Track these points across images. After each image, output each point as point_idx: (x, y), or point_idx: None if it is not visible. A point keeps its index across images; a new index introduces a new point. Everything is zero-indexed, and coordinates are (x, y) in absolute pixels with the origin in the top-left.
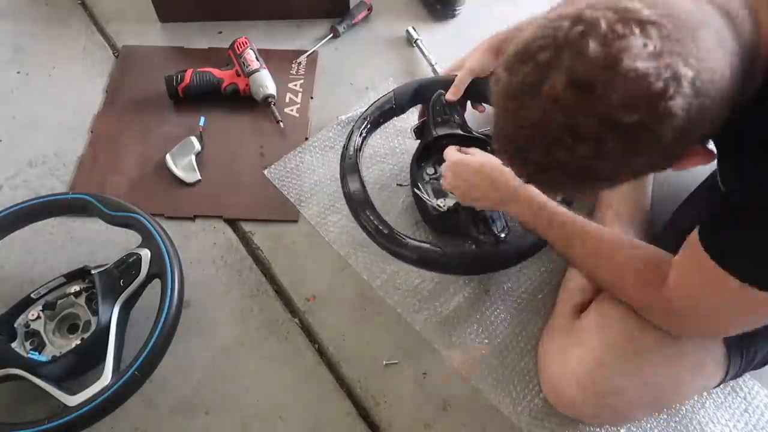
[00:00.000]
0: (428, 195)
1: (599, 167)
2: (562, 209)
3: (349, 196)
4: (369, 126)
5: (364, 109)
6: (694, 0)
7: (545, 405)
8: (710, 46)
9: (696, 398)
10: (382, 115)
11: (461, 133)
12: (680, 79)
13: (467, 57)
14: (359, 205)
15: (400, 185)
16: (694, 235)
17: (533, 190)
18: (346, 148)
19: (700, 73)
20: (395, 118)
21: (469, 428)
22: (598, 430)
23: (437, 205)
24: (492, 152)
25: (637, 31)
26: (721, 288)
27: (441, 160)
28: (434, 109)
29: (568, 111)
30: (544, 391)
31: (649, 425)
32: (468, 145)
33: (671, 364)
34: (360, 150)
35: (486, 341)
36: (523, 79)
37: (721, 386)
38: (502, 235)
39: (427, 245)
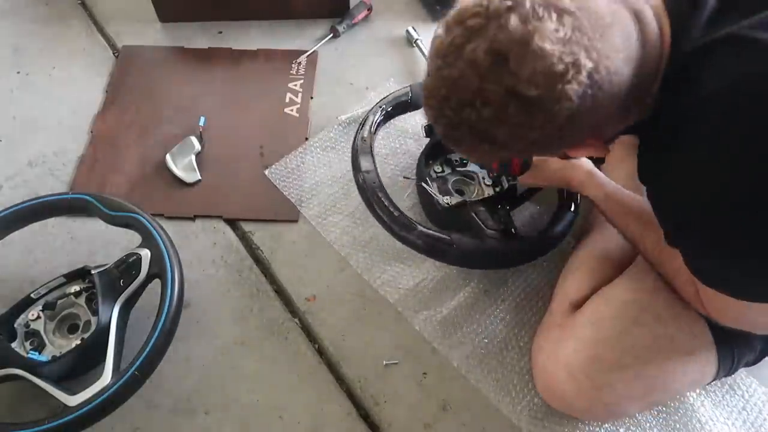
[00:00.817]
0: (436, 193)
1: (498, 132)
2: (634, 196)
3: (362, 179)
4: (384, 115)
5: (370, 106)
6: (612, 1)
7: (544, 404)
8: (615, 47)
9: (695, 396)
10: (397, 107)
11: None
12: (579, 67)
13: None
14: (371, 186)
15: (407, 178)
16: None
17: (603, 178)
18: (360, 131)
19: (598, 66)
20: (405, 115)
21: (469, 428)
22: (598, 430)
23: (444, 202)
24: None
25: (554, 16)
26: (731, 302)
27: (448, 160)
28: None
29: (482, 75)
30: (536, 385)
31: (648, 424)
32: None
33: (662, 359)
34: (375, 133)
35: (486, 341)
36: (452, 40)
37: (719, 384)
38: (511, 231)
39: (437, 233)
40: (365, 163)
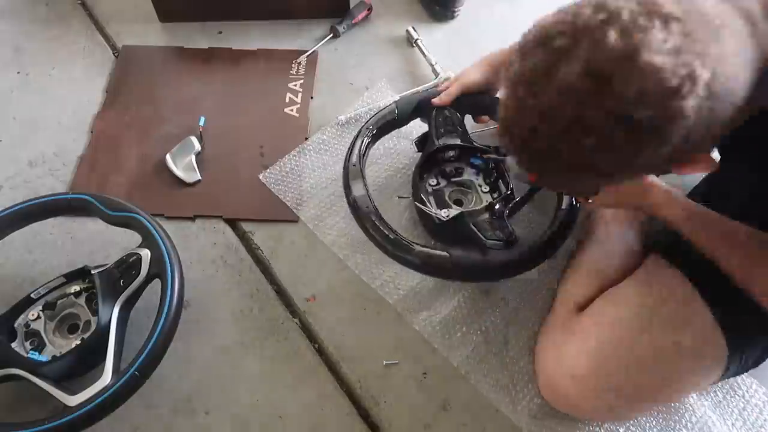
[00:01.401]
0: (431, 205)
1: (602, 161)
2: (715, 213)
3: (353, 204)
4: (373, 134)
5: (363, 114)
6: (720, 1)
7: (545, 404)
8: (731, 50)
9: (695, 396)
10: (384, 126)
11: (462, 144)
12: (696, 79)
13: (468, 69)
14: (364, 212)
15: (402, 197)
16: None
17: (679, 192)
18: (349, 155)
19: (716, 75)
20: (395, 130)
21: (469, 428)
22: (597, 429)
23: (442, 216)
24: (495, 154)
25: (659, 24)
26: None
27: (443, 171)
28: (437, 120)
29: (581, 101)
30: (539, 387)
31: (648, 424)
32: (469, 156)
33: (668, 365)
34: (364, 156)
35: (486, 341)
36: (536, 64)
37: (720, 384)
38: (510, 240)
39: (435, 251)
40: (357, 189)
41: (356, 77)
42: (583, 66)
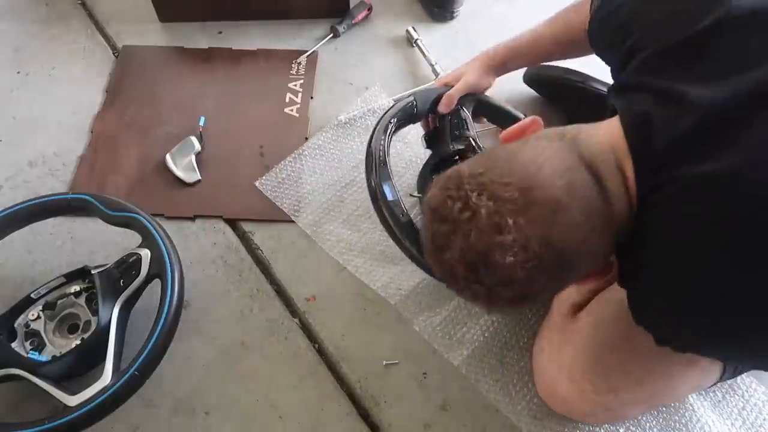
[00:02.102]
0: None
1: (499, 310)
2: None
3: (390, 210)
4: (393, 129)
5: (363, 114)
6: (566, 167)
7: (544, 404)
8: (578, 220)
9: (695, 396)
10: (404, 119)
11: (476, 149)
12: (544, 259)
13: (464, 69)
14: (406, 215)
15: (413, 196)
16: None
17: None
18: (376, 153)
19: (566, 245)
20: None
21: (469, 428)
22: (597, 429)
23: None
24: None
25: (510, 222)
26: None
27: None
28: (452, 122)
29: (464, 278)
30: (537, 388)
31: (648, 424)
32: None
33: (666, 365)
34: (387, 154)
35: (486, 341)
36: (433, 237)
37: (719, 384)
38: None
39: None
40: (389, 191)
41: (356, 77)
42: (459, 254)
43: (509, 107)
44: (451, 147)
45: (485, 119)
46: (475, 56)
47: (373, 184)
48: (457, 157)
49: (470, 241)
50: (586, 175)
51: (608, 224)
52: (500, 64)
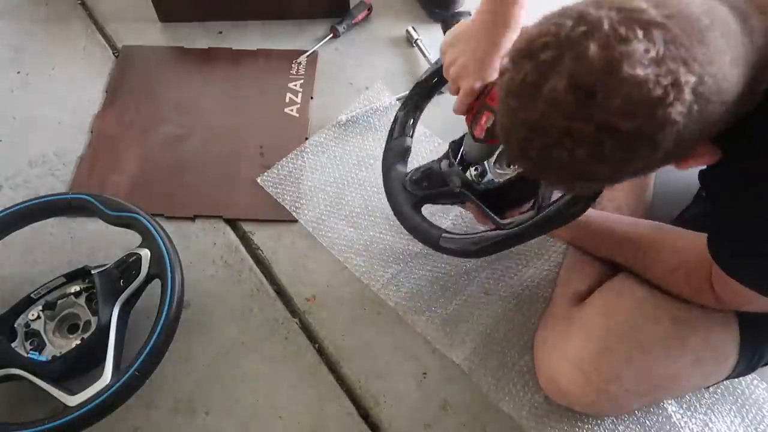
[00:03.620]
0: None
1: (597, 169)
2: (602, 216)
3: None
4: (419, 102)
5: (363, 114)
6: (704, 2)
7: (546, 402)
8: (718, 49)
9: (696, 392)
10: (432, 88)
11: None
12: (681, 85)
13: (463, 69)
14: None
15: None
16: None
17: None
18: (398, 130)
19: (703, 77)
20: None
21: (469, 428)
22: (597, 429)
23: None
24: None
25: (640, 34)
26: (753, 296)
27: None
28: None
29: (568, 115)
30: (539, 379)
31: (648, 421)
32: None
33: (672, 358)
34: (413, 131)
35: (486, 340)
36: (524, 77)
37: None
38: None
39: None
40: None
41: (356, 77)
42: (567, 80)
43: None
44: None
45: None
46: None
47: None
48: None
49: (587, 57)
50: (726, 8)
51: (747, 62)
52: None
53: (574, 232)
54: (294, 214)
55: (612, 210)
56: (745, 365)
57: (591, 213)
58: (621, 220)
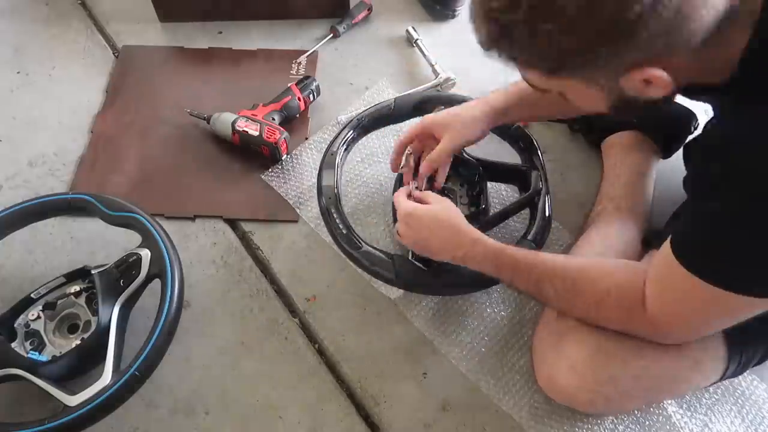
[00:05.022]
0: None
1: (567, 4)
2: (524, 252)
3: (320, 190)
4: (360, 128)
5: (362, 111)
6: None
7: (546, 402)
8: None
9: (696, 393)
10: (377, 120)
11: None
12: None
13: (457, 122)
14: (324, 202)
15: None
16: (665, 247)
17: (491, 240)
18: (331, 143)
19: None
20: (389, 126)
21: (469, 428)
22: (597, 428)
23: None
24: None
25: None
26: (697, 294)
27: (429, 178)
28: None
29: None
30: (537, 378)
31: (648, 421)
32: (458, 165)
33: (668, 360)
34: (346, 150)
35: (486, 339)
36: None
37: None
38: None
39: (380, 253)
40: (327, 178)
41: (356, 77)
42: None
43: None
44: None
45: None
46: (473, 101)
47: (319, 170)
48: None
49: None
50: None
51: (728, 14)
52: (500, 112)
53: (496, 265)
54: (297, 210)
55: (611, 210)
56: (736, 363)
57: (517, 249)
58: (546, 255)
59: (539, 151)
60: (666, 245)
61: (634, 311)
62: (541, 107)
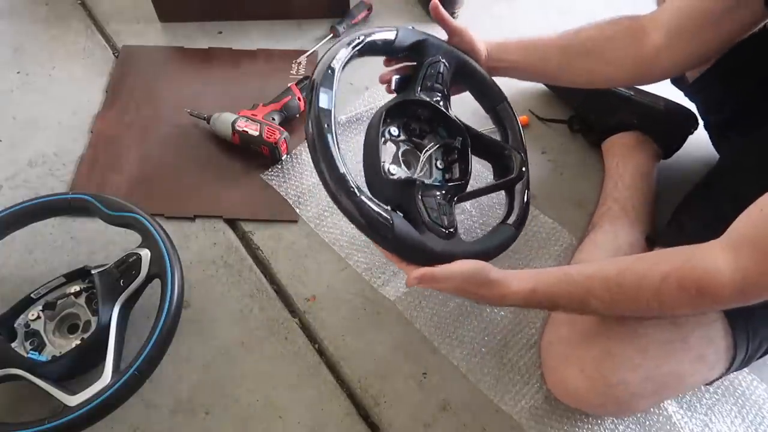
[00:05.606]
0: (383, 154)
1: None
2: (554, 277)
3: (315, 115)
4: (360, 49)
5: (363, 114)
6: None
7: (546, 402)
8: None
9: (696, 393)
10: (378, 46)
11: (441, 108)
12: None
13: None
14: (321, 128)
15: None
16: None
17: (519, 284)
18: (330, 59)
19: None
20: (381, 58)
21: (469, 428)
22: (597, 428)
23: (391, 173)
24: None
25: None
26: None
27: (407, 125)
28: (427, 70)
29: None
30: (547, 382)
31: (649, 421)
32: (440, 124)
33: (675, 359)
34: (343, 68)
35: (486, 339)
36: None
37: (720, 380)
38: (451, 230)
39: (379, 209)
40: (324, 99)
41: (356, 77)
42: None
43: (493, 81)
44: (417, 94)
45: (463, 86)
46: None
47: (315, 89)
48: (421, 109)
49: None
50: None
51: None
52: (501, 47)
53: (535, 305)
54: (297, 209)
55: (617, 211)
56: (743, 353)
57: (546, 277)
58: (576, 270)
59: (521, 134)
60: (758, 202)
61: (703, 287)
62: (540, 60)
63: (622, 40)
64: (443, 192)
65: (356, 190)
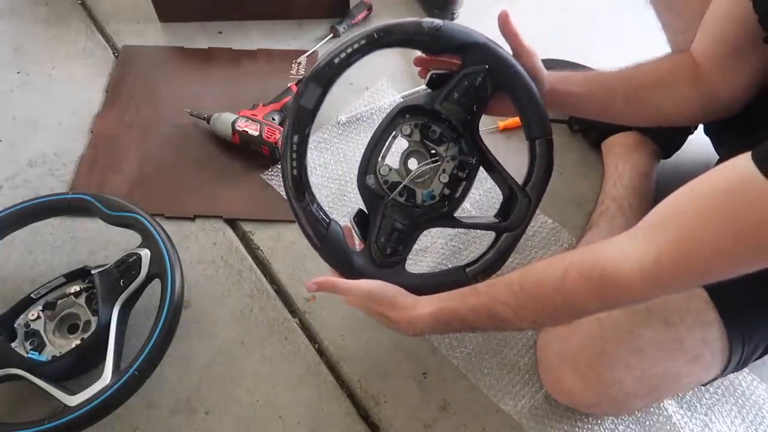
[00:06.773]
0: (388, 148)
1: None
2: (458, 295)
3: (295, 113)
4: (382, 41)
5: (363, 114)
6: None
7: (545, 402)
8: None
9: (696, 393)
10: (405, 38)
11: (456, 126)
12: None
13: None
14: (296, 124)
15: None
16: (681, 190)
17: (424, 307)
18: (337, 54)
19: None
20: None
21: (469, 428)
22: (597, 428)
23: (379, 170)
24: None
25: None
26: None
27: (428, 125)
28: (460, 81)
29: None
30: (542, 380)
31: (648, 421)
32: (462, 139)
33: (670, 359)
34: (348, 65)
35: (486, 339)
36: None
37: (720, 380)
38: (391, 259)
39: (319, 216)
40: (309, 95)
41: (356, 77)
42: None
43: (546, 113)
44: (436, 106)
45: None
46: None
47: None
48: (448, 122)
49: None
50: None
51: None
52: (565, 78)
53: (444, 326)
54: None
55: (615, 210)
56: (739, 355)
57: (450, 298)
58: (484, 283)
59: (544, 180)
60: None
61: (607, 274)
62: (607, 91)
63: (682, 72)
64: (412, 217)
65: (304, 195)
